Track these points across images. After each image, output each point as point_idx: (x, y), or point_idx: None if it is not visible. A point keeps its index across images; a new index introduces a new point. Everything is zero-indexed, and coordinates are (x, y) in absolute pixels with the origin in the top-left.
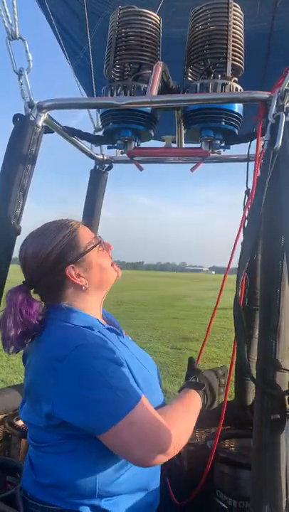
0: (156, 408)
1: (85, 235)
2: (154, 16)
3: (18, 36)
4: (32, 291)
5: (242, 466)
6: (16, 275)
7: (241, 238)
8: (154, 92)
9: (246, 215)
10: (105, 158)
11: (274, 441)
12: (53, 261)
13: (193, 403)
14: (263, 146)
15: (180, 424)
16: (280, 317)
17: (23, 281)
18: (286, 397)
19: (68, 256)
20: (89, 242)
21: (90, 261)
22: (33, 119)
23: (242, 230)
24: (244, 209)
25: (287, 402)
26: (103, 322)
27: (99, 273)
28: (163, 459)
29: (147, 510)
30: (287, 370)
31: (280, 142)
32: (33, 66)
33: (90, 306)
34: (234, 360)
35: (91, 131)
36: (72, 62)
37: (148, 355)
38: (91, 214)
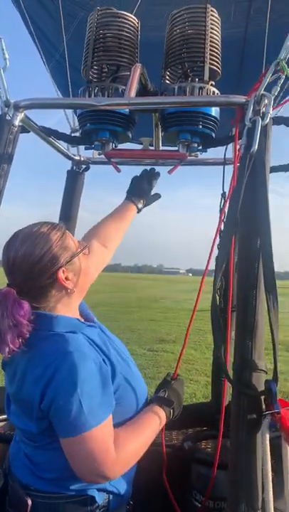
0: (140, 396)
1: (72, 238)
2: (132, 18)
3: None
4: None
5: (218, 466)
6: None
7: (218, 241)
8: (132, 93)
9: (222, 218)
10: (82, 159)
11: (250, 441)
12: (46, 263)
13: (155, 422)
14: (239, 149)
15: (130, 448)
16: (256, 318)
17: (8, 284)
18: (262, 397)
19: (61, 258)
20: (76, 246)
21: (78, 264)
22: (9, 118)
23: (219, 232)
24: (220, 212)
25: (263, 403)
26: (81, 319)
27: (84, 276)
28: (100, 481)
29: (129, 489)
30: (263, 370)
31: (256, 146)
32: (9, 65)
33: (70, 308)
34: None
35: (68, 131)
36: (49, 64)
37: (118, 339)
38: (68, 215)
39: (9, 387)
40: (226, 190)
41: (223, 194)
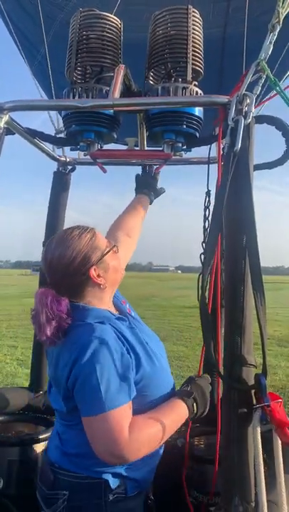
0: (165, 388)
1: (102, 239)
2: (115, 19)
3: None
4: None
5: (211, 462)
6: None
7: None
8: (116, 94)
9: (206, 215)
10: (68, 160)
11: (242, 434)
12: (79, 263)
13: (175, 413)
14: (223, 148)
15: (144, 433)
16: (244, 314)
17: (47, 283)
18: (252, 391)
19: (91, 258)
20: (106, 246)
21: (108, 262)
22: None
23: (204, 229)
24: (204, 210)
25: (253, 397)
26: (114, 311)
27: (114, 273)
28: (114, 461)
29: (150, 478)
30: (253, 365)
31: (239, 145)
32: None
33: (103, 302)
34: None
35: (53, 132)
36: (31, 66)
37: (155, 335)
38: (55, 216)
39: (49, 371)
40: (211, 188)
41: (208, 192)
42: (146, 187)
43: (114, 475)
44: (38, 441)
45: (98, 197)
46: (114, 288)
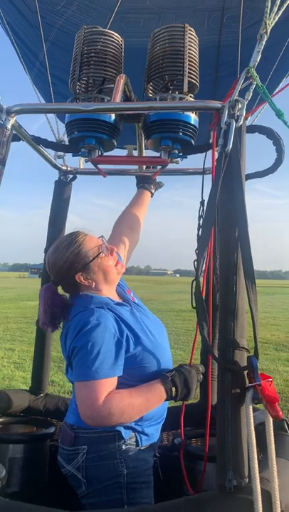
0: (163, 363)
1: (89, 246)
2: (116, 35)
3: None
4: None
5: (208, 460)
6: None
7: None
8: (118, 100)
9: (200, 223)
10: (69, 169)
11: (235, 412)
12: (66, 270)
13: (151, 392)
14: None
15: (116, 404)
16: (237, 301)
17: (51, 281)
18: (245, 372)
19: (76, 266)
20: (92, 253)
21: (94, 267)
22: (2, 122)
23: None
24: (198, 219)
25: (246, 377)
26: (115, 298)
27: (103, 275)
28: (90, 422)
29: (157, 435)
30: (245, 348)
31: (230, 145)
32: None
33: (103, 292)
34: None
35: (49, 137)
36: (30, 72)
37: (157, 319)
38: (57, 224)
39: (62, 352)
40: (205, 198)
41: (202, 202)
42: (146, 181)
43: (126, 427)
44: (39, 439)
45: (97, 200)
46: (110, 284)
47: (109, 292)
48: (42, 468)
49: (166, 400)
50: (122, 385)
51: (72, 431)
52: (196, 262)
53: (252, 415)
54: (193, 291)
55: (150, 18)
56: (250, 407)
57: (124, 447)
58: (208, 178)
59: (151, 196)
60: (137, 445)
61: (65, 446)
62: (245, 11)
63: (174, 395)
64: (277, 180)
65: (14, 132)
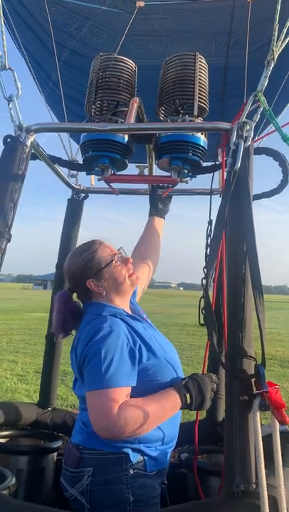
0: (175, 380)
1: (103, 253)
2: (130, 62)
3: (7, 67)
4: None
5: (214, 474)
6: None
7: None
8: (132, 120)
9: (208, 243)
10: (82, 188)
11: (243, 419)
12: (78, 276)
13: (165, 399)
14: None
15: (131, 413)
16: (244, 312)
17: (67, 288)
18: (252, 380)
19: (87, 273)
20: (105, 260)
21: (106, 275)
22: (22, 140)
23: (206, 256)
24: (206, 238)
25: (253, 385)
26: (128, 311)
27: (114, 284)
28: (105, 434)
29: (166, 461)
30: (252, 357)
31: (239, 164)
32: (21, 93)
33: (116, 302)
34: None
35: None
36: (43, 91)
37: (168, 341)
38: (68, 240)
39: (71, 364)
40: (212, 217)
41: (210, 222)
42: (158, 207)
43: (134, 450)
44: (46, 452)
45: (102, 212)
46: (123, 294)
47: (121, 304)
48: (47, 482)
49: (181, 408)
50: (133, 398)
51: (78, 451)
52: (204, 280)
53: (259, 421)
54: (201, 307)
55: (159, 40)
56: (258, 414)
57: (131, 471)
58: (215, 199)
59: (164, 218)
60: (145, 470)
61: (69, 468)
62: (251, 35)
63: (188, 401)
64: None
65: (33, 152)
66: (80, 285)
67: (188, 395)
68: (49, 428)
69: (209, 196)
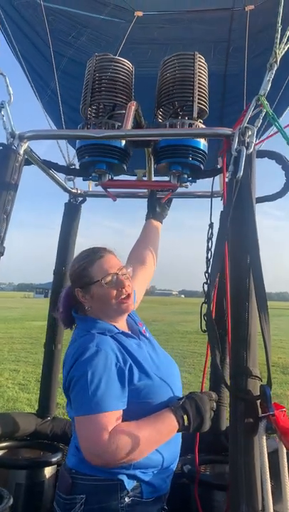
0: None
1: (99, 267)
2: (127, 62)
3: None
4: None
5: (218, 488)
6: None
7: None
8: (129, 126)
9: (209, 246)
10: (79, 191)
11: (248, 443)
12: (72, 281)
13: (160, 422)
14: (227, 177)
15: (124, 438)
16: (249, 328)
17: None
18: (258, 402)
19: (78, 281)
20: (98, 276)
21: (93, 292)
22: (14, 148)
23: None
24: (207, 241)
25: (259, 407)
26: (124, 328)
27: (100, 304)
28: (96, 460)
29: (165, 486)
30: (257, 377)
31: (241, 172)
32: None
33: (109, 319)
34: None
35: (57, 160)
36: (42, 99)
37: (168, 356)
38: (66, 245)
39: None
40: (213, 221)
41: (211, 225)
42: (156, 210)
43: (130, 476)
44: (46, 465)
45: (104, 221)
46: (109, 317)
47: (116, 319)
48: (47, 496)
49: (178, 430)
50: (123, 421)
51: (70, 476)
52: (205, 285)
53: (265, 446)
54: (203, 313)
55: (158, 48)
56: (264, 438)
57: (126, 500)
58: (216, 201)
59: (161, 222)
60: (142, 497)
61: (61, 494)
62: (250, 42)
63: (186, 424)
64: (280, 201)
65: (26, 157)
66: (72, 291)
67: (185, 417)
68: (49, 438)
69: (210, 199)
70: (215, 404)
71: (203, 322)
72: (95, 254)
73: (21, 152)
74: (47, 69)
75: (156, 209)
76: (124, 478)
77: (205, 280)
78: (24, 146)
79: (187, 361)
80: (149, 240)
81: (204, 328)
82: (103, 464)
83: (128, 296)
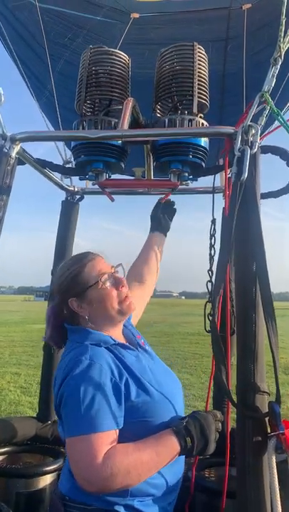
0: (172, 419)
1: (91, 271)
2: (123, 55)
3: None
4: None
5: (227, 495)
6: None
7: (210, 265)
8: (125, 126)
9: (212, 243)
10: (76, 189)
11: (257, 464)
12: (62, 292)
13: (161, 445)
14: (229, 177)
15: (120, 461)
16: (256, 341)
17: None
18: (266, 419)
19: (71, 290)
20: (93, 279)
21: (91, 298)
22: (6, 150)
23: (210, 257)
24: (210, 237)
25: (268, 425)
26: (120, 339)
27: (99, 309)
28: (88, 487)
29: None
30: (266, 392)
31: (246, 174)
32: (4, 100)
33: (102, 328)
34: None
35: (59, 161)
36: (39, 101)
37: (169, 370)
38: (64, 244)
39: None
40: (216, 216)
41: (213, 220)
42: (160, 221)
43: (127, 507)
44: (46, 472)
45: (103, 223)
46: (109, 322)
47: (111, 330)
48: (48, 504)
49: (180, 454)
50: (119, 443)
51: (62, 503)
52: (209, 283)
53: (275, 467)
54: (206, 313)
55: (155, 49)
56: (273, 458)
57: None
58: (218, 197)
59: (165, 236)
60: None
61: None
62: (249, 40)
63: (189, 446)
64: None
65: (18, 156)
66: (62, 304)
67: (188, 439)
68: (50, 442)
69: (211, 195)
70: (220, 425)
71: (207, 322)
72: (83, 258)
73: (13, 155)
74: (43, 70)
75: (161, 221)
76: (121, 509)
77: (208, 279)
78: (16, 148)
79: (188, 362)
80: (151, 255)
81: (208, 328)
82: (96, 491)
83: (128, 296)
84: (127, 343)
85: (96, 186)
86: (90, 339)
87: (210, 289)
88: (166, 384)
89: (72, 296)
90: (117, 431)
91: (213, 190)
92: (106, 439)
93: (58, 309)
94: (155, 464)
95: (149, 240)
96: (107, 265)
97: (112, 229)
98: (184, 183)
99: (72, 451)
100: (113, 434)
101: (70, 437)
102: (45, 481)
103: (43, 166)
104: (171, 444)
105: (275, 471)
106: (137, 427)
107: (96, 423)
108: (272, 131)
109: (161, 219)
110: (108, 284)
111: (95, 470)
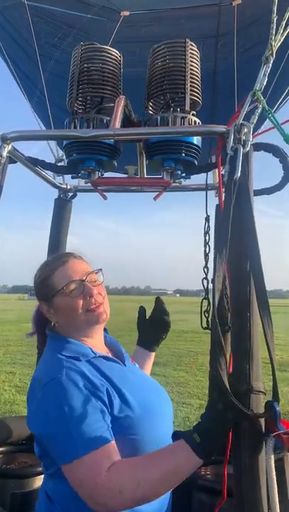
0: (158, 439)
1: (62, 275)
2: (115, 52)
3: None
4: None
5: (220, 493)
6: None
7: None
8: (117, 124)
9: (206, 240)
10: (69, 187)
11: (253, 465)
12: (36, 293)
13: (173, 456)
14: (222, 174)
15: (125, 475)
16: (251, 340)
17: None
18: (262, 419)
19: (39, 293)
20: (58, 286)
21: (57, 304)
22: None
23: (205, 255)
24: (204, 235)
25: (263, 425)
26: (103, 350)
27: (66, 318)
28: (98, 507)
29: None
30: (262, 392)
31: (239, 173)
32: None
33: (76, 337)
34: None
35: (52, 160)
36: (30, 100)
37: (156, 383)
38: (57, 242)
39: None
40: (209, 213)
41: (207, 218)
42: (151, 338)
43: None
44: (42, 473)
45: (97, 222)
46: (78, 332)
47: (89, 341)
48: None
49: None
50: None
51: None
52: (204, 280)
53: (273, 468)
54: (204, 310)
55: (145, 46)
56: (272, 457)
57: None
58: (211, 194)
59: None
60: None
61: None
62: (240, 36)
63: (204, 451)
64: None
65: (9, 155)
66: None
67: (196, 435)
68: None
69: (204, 192)
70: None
71: (204, 319)
72: (57, 260)
73: (4, 154)
74: (34, 70)
75: (149, 335)
76: None
77: (204, 276)
78: (8, 147)
79: (183, 360)
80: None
81: (204, 325)
82: (105, 506)
83: (99, 305)
84: (112, 356)
85: (89, 184)
86: (68, 350)
87: (206, 286)
88: (153, 398)
89: (41, 300)
90: (114, 442)
91: (206, 188)
92: (102, 454)
93: (39, 309)
94: (169, 475)
95: (139, 354)
96: (83, 270)
97: (105, 227)
98: (176, 181)
99: (72, 477)
100: (112, 446)
101: (66, 464)
102: (41, 481)
103: (34, 164)
104: (183, 453)
105: (274, 471)
106: (120, 445)
107: (90, 440)
108: (265, 131)
109: (149, 331)
110: (75, 292)
111: (100, 489)
